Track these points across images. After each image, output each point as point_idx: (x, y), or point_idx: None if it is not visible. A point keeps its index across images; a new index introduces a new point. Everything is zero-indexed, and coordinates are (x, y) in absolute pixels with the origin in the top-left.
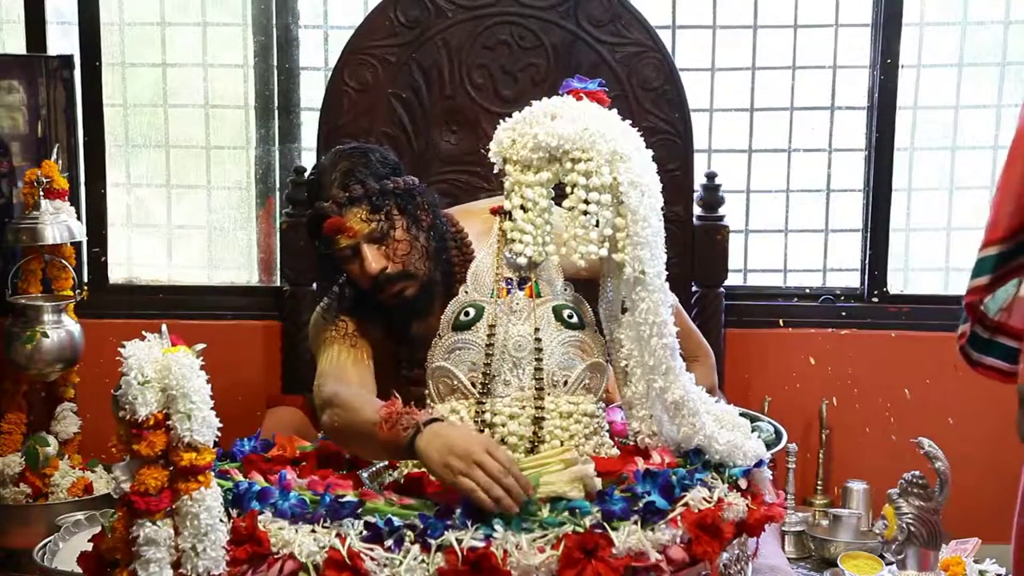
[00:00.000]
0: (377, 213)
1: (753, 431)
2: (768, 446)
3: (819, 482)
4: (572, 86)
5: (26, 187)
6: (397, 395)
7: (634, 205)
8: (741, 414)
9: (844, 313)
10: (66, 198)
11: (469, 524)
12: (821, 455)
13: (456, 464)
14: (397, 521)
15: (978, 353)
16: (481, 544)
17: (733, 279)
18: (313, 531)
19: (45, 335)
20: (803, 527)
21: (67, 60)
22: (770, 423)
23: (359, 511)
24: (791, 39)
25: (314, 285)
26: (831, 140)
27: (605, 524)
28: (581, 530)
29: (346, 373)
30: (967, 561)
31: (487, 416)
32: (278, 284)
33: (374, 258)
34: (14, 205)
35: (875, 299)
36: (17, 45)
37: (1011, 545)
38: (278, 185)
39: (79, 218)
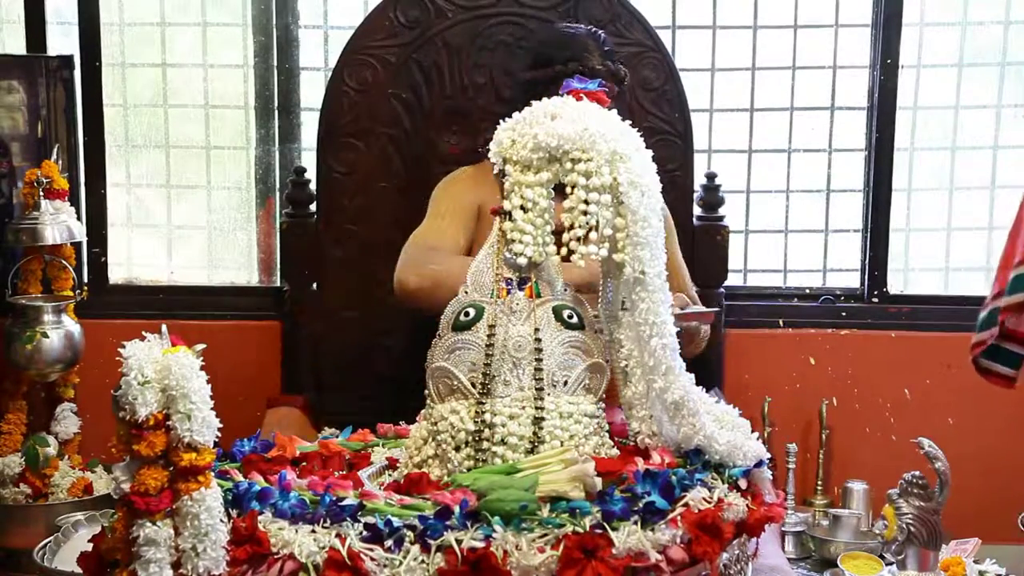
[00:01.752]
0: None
1: None
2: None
3: (819, 482)
4: (572, 86)
5: (26, 187)
6: None
7: (634, 205)
8: None
9: (844, 313)
10: (66, 198)
11: (469, 525)
12: (821, 455)
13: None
14: (397, 521)
15: (987, 360)
16: (481, 544)
17: (733, 279)
18: (313, 531)
19: (45, 335)
20: (803, 527)
21: (67, 60)
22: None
23: (359, 512)
24: (791, 39)
25: (314, 285)
26: (831, 140)
27: (605, 524)
28: (581, 530)
29: (437, 244)
30: (967, 561)
31: (487, 416)
32: (278, 284)
33: None
34: (14, 205)
35: (875, 299)
36: (17, 45)
37: None
38: (278, 185)
39: (79, 218)
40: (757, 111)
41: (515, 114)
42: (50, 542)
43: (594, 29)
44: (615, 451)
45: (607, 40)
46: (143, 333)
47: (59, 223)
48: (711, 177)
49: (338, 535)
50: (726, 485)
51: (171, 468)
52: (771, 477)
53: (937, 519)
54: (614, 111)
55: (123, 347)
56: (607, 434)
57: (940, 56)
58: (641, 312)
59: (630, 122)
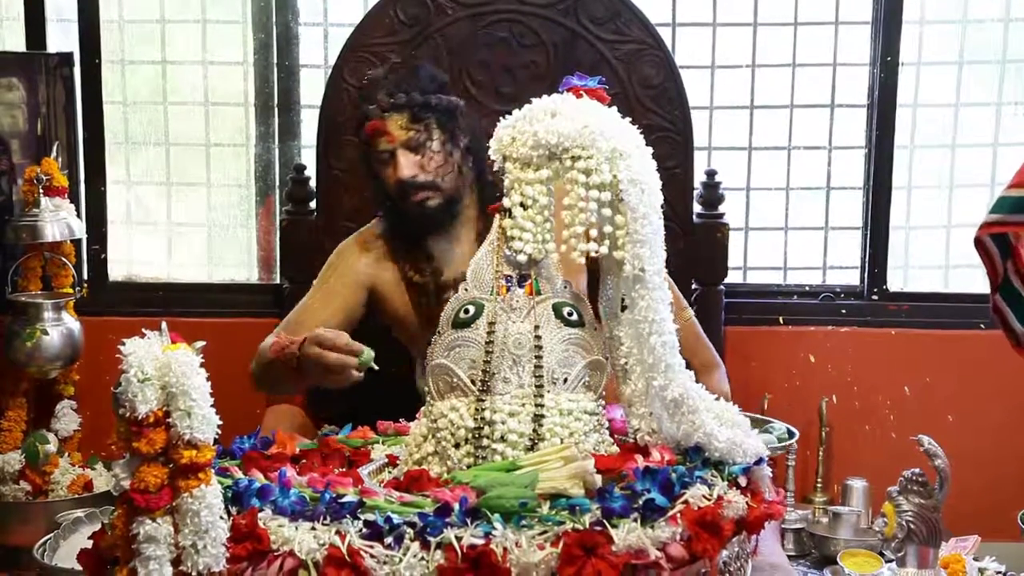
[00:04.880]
0: (417, 123)
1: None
2: (780, 441)
3: (819, 479)
4: (572, 83)
5: (26, 185)
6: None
7: (634, 203)
8: (753, 421)
9: (844, 311)
10: (66, 195)
11: (469, 522)
12: (821, 453)
13: (310, 351)
14: (397, 518)
15: (1002, 301)
16: (481, 541)
17: (733, 277)
18: (313, 528)
19: (45, 332)
20: (803, 524)
21: (67, 57)
22: (782, 424)
23: (359, 509)
24: (791, 36)
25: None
26: (831, 138)
27: (605, 521)
28: (581, 527)
29: (303, 322)
30: (967, 559)
31: (487, 413)
32: (278, 282)
33: (406, 164)
34: (14, 203)
35: (875, 297)
36: (17, 42)
37: None
38: (278, 182)
39: (79, 215)
40: (757, 108)
41: (515, 111)
42: (50, 539)
43: (396, 66)
44: (615, 448)
45: (407, 77)
46: (143, 330)
47: (59, 220)
48: (711, 174)
49: (338, 532)
50: (726, 482)
51: (171, 465)
52: (771, 474)
53: (937, 516)
54: (613, 108)
55: (123, 344)
56: (607, 431)
57: (940, 53)
58: (640, 310)
59: (630, 119)
